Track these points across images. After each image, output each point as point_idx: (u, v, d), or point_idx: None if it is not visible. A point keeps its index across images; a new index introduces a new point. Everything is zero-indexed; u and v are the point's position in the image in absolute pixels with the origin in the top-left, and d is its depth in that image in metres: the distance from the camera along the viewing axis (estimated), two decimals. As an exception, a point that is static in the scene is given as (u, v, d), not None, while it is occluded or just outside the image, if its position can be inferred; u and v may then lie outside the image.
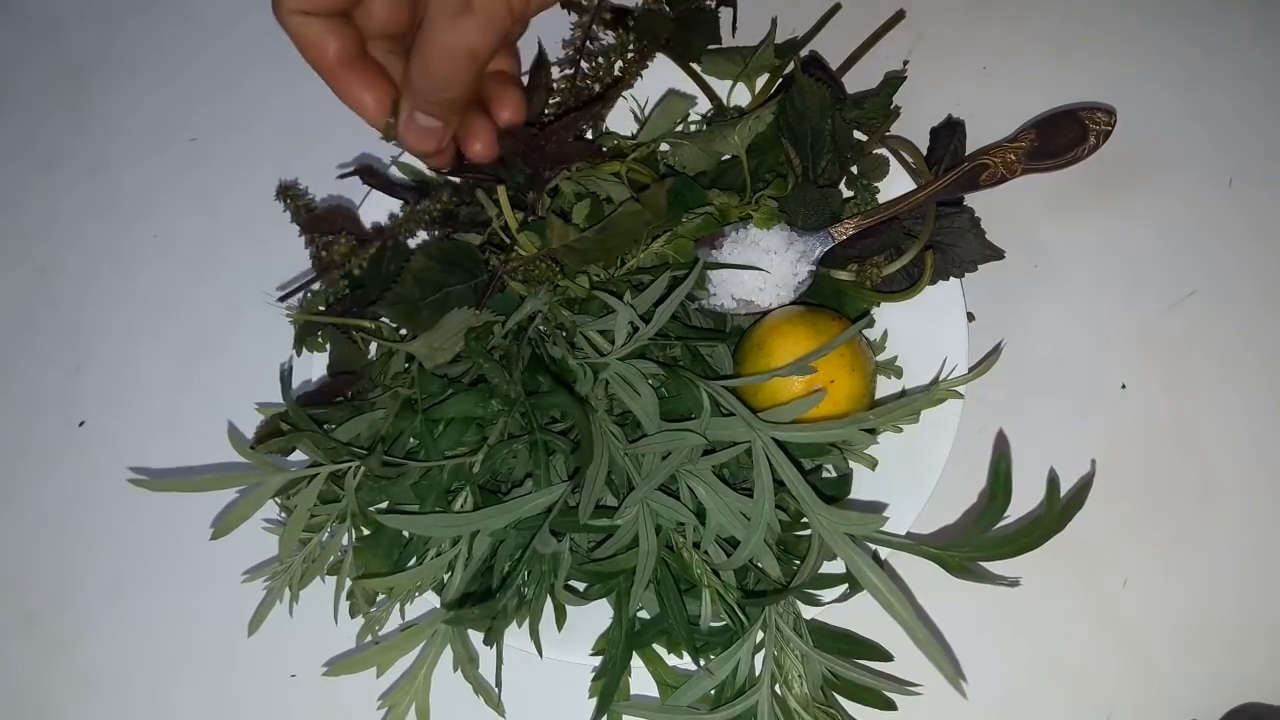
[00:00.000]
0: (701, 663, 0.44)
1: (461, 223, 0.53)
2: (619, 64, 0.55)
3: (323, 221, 0.53)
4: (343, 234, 0.52)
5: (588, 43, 0.54)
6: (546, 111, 0.54)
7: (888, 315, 0.53)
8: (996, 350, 0.55)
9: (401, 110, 0.44)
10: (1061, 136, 0.52)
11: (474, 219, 0.53)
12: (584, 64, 0.54)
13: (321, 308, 0.54)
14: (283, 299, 0.54)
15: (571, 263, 0.49)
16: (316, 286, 0.54)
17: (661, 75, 0.56)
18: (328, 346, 0.54)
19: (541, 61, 0.57)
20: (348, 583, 0.48)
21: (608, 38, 0.55)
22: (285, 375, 0.50)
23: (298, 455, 0.50)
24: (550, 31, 0.56)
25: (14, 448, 0.61)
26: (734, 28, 0.62)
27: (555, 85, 0.54)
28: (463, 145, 0.47)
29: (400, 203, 0.55)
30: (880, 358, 0.52)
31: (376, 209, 0.57)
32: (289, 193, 0.55)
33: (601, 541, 0.46)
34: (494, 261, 0.50)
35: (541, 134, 0.50)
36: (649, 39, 0.55)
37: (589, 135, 0.56)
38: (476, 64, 0.41)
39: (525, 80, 0.57)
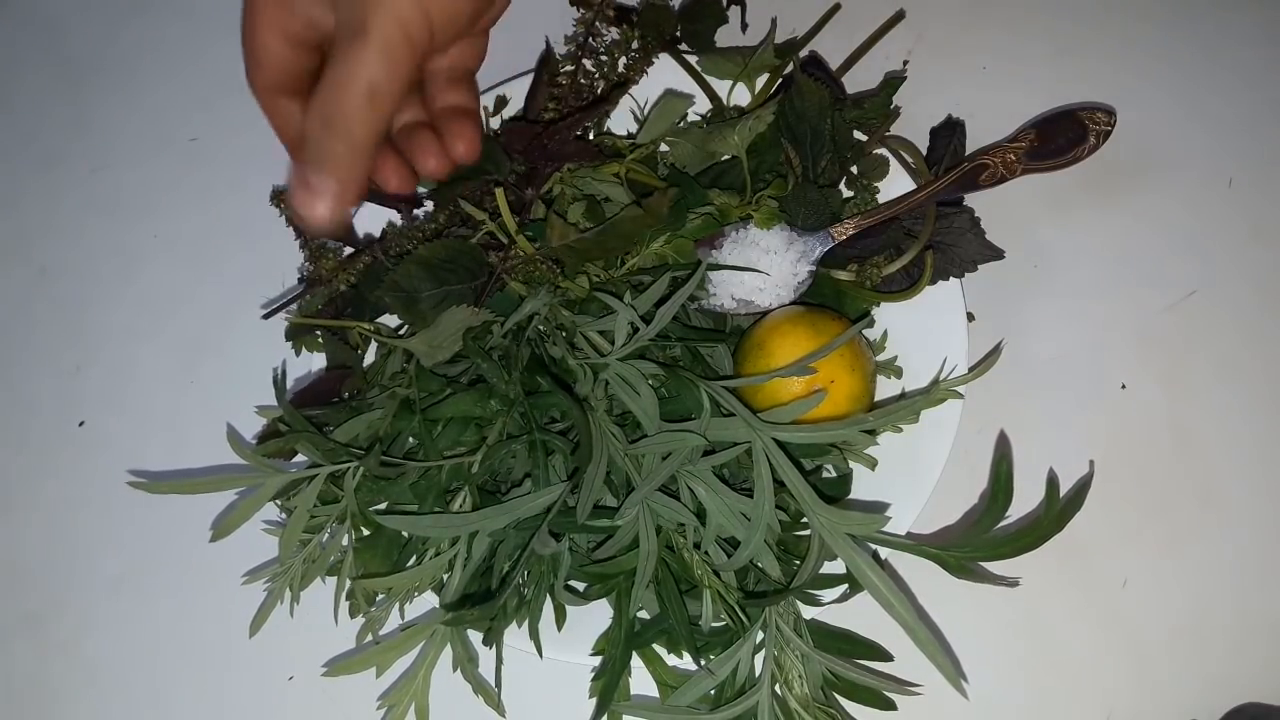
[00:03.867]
0: (702, 663, 0.44)
1: (458, 224, 0.53)
2: (623, 60, 0.54)
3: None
4: (329, 250, 0.52)
5: (590, 39, 0.54)
6: (549, 107, 0.54)
7: (888, 315, 0.53)
8: (996, 350, 0.55)
9: (291, 170, 0.39)
10: (1061, 136, 0.52)
11: (466, 222, 0.52)
12: (586, 61, 0.54)
13: (320, 306, 0.54)
14: (266, 316, 0.54)
15: (570, 262, 0.49)
16: (296, 307, 0.54)
17: (661, 76, 0.56)
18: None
19: (547, 58, 0.57)
20: (347, 583, 0.48)
21: (612, 34, 0.55)
22: (279, 380, 0.51)
23: (299, 457, 0.50)
24: (556, 29, 0.56)
25: (14, 448, 0.61)
26: (744, 27, 0.62)
27: (557, 82, 0.54)
28: (415, 163, 0.44)
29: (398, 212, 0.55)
30: (880, 358, 0.52)
31: (378, 213, 0.56)
32: (283, 198, 0.55)
33: (602, 542, 0.46)
34: (493, 258, 0.50)
35: (544, 132, 0.50)
36: (653, 34, 0.55)
37: (589, 135, 0.56)
38: (377, 104, 0.36)
39: (531, 76, 0.57)
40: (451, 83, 0.44)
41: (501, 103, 0.57)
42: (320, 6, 0.38)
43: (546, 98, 0.54)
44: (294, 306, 0.54)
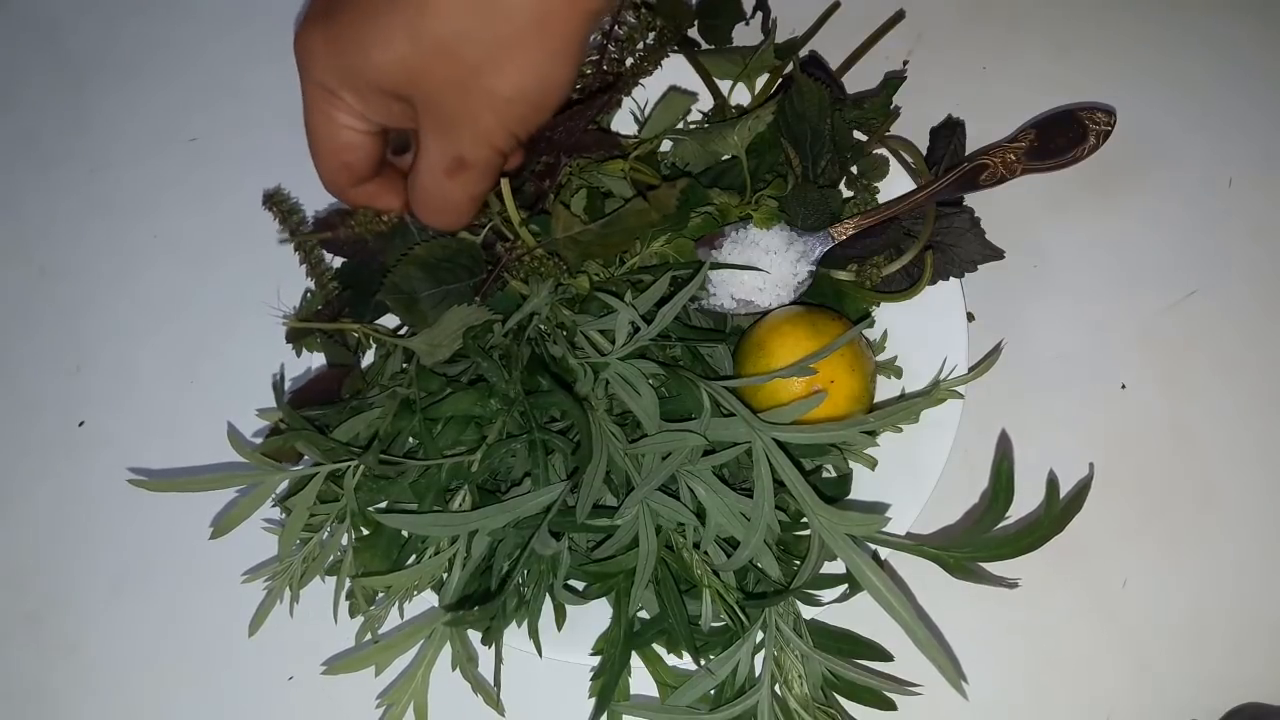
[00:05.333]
0: (701, 663, 0.44)
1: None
2: (641, 45, 0.54)
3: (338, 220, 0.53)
4: (324, 260, 0.53)
5: (616, 27, 0.54)
6: (574, 94, 0.53)
7: (888, 315, 0.53)
8: (996, 350, 0.55)
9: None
10: (1061, 136, 0.52)
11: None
12: (611, 49, 0.54)
13: (320, 307, 0.54)
14: (290, 241, 0.54)
15: (572, 255, 0.49)
16: (312, 287, 0.54)
17: (664, 75, 0.56)
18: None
19: None
20: (347, 582, 0.48)
21: (631, 23, 0.55)
22: (278, 384, 0.51)
23: (304, 459, 0.50)
24: None
25: (14, 448, 0.61)
26: (765, 29, 0.61)
27: (583, 70, 0.54)
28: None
29: None
30: (880, 358, 0.52)
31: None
32: (274, 200, 0.55)
33: (601, 542, 0.46)
34: (499, 248, 0.50)
35: (546, 123, 0.50)
36: (670, 26, 0.55)
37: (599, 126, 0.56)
38: (480, 200, 0.43)
39: None
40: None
41: None
42: (383, 106, 0.40)
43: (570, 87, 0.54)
44: (308, 292, 0.54)
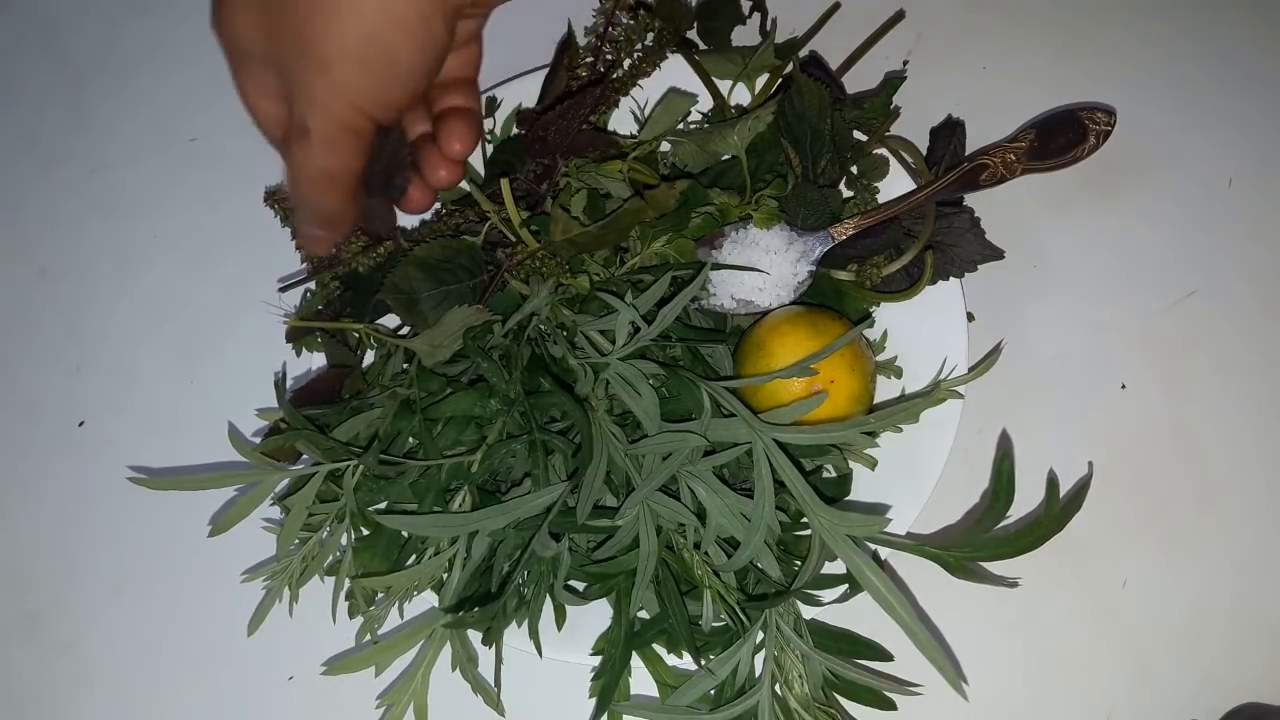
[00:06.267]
0: (702, 663, 0.44)
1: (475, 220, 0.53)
2: (639, 46, 0.54)
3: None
4: (357, 231, 0.52)
5: (611, 28, 0.54)
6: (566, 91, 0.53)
7: (888, 315, 0.53)
8: (996, 350, 0.55)
9: (295, 220, 0.46)
10: (1061, 136, 0.52)
11: (483, 217, 0.52)
12: (606, 51, 0.54)
13: (320, 308, 0.54)
14: (283, 290, 0.54)
15: (572, 255, 0.49)
16: (313, 287, 0.54)
17: (663, 76, 0.56)
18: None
19: (568, 45, 0.56)
20: (346, 583, 0.48)
21: (628, 24, 0.55)
22: (279, 382, 0.51)
23: (304, 458, 0.50)
24: (554, 28, 0.56)
25: (14, 448, 0.61)
26: (763, 29, 0.61)
27: (577, 72, 0.54)
28: (425, 176, 0.47)
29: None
30: (880, 358, 0.52)
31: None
32: (275, 197, 0.55)
33: (602, 542, 0.46)
34: (500, 253, 0.50)
35: (538, 124, 0.50)
36: (669, 27, 0.55)
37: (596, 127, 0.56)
38: (336, 182, 0.41)
39: (550, 63, 0.57)
40: (447, 88, 0.46)
41: (492, 104, 0.58)
42: (274, 88, 0.40)
43: (563, 88, 0.54)
44: (307, 291, 0.54)
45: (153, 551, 0.58)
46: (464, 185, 0.53)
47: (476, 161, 0.58)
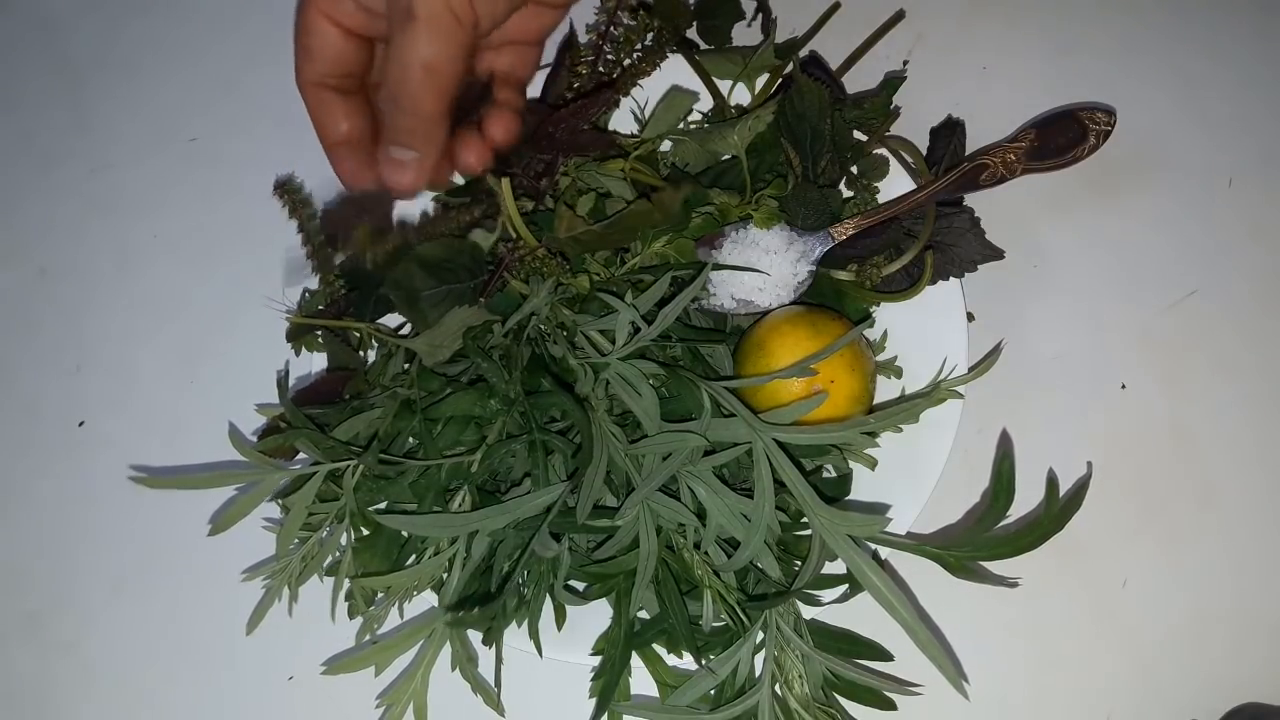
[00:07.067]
0: (702, 662, 0.44)
1: (476, 220, 0.53)
2: (639, 45, 0.54)
3: (347, 208, 0.53)
4: (365, 221, 0.52)
5: (612, 28, 0.54)
6: (568, 94, 0.53)
7: (888, 315, 0.53)
8: (996, 350, 0.55)
9: (380, 149, 0.43)
10: (1061, 136, 0.52)
11: (489, 215, 0.52)
12: (607, 50, 0.54)
13: (321, 307, 0.54)
14: (289, 285, 0.53)
15: (574, 254, 0.49)
16: (315, 286, 0.54)
17: (664, 75, 0.56)
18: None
19: (569, 43, 0.57)
20: (346, 583, 0.48)
21: (629, 24, 0.55)
22: (282, 379, 0.51)
23: (301, 456, 0.50)
24: (580, 21, 0.56)
25: (14, 447, 0.61)
26: (764, 28, 0.61)
27: (578, 70, 0.54)
28: (454, 159, 0.45)
29: (432, 198, 0.55)
30: (880, 358, 0.52)
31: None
32: (286, 189, 0.54)
33: (602, 542, 0.46)
34: (500, 247, 0.50)
35: (548, 120, 0.50)
36: (669, 26, 0.55)
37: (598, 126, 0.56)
38: (436, 78, 0.40)
39: (553, 61, 0.57)
40: (500, 84, 0.46)
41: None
42: None
43: (565, 86, 0.54)
44: (307, 291, 0.54)
45: (153, 551, 0.58)
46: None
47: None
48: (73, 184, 0.68)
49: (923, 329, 0.52)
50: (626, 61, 0.54)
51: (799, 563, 0.46)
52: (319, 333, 0.54)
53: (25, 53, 0.72)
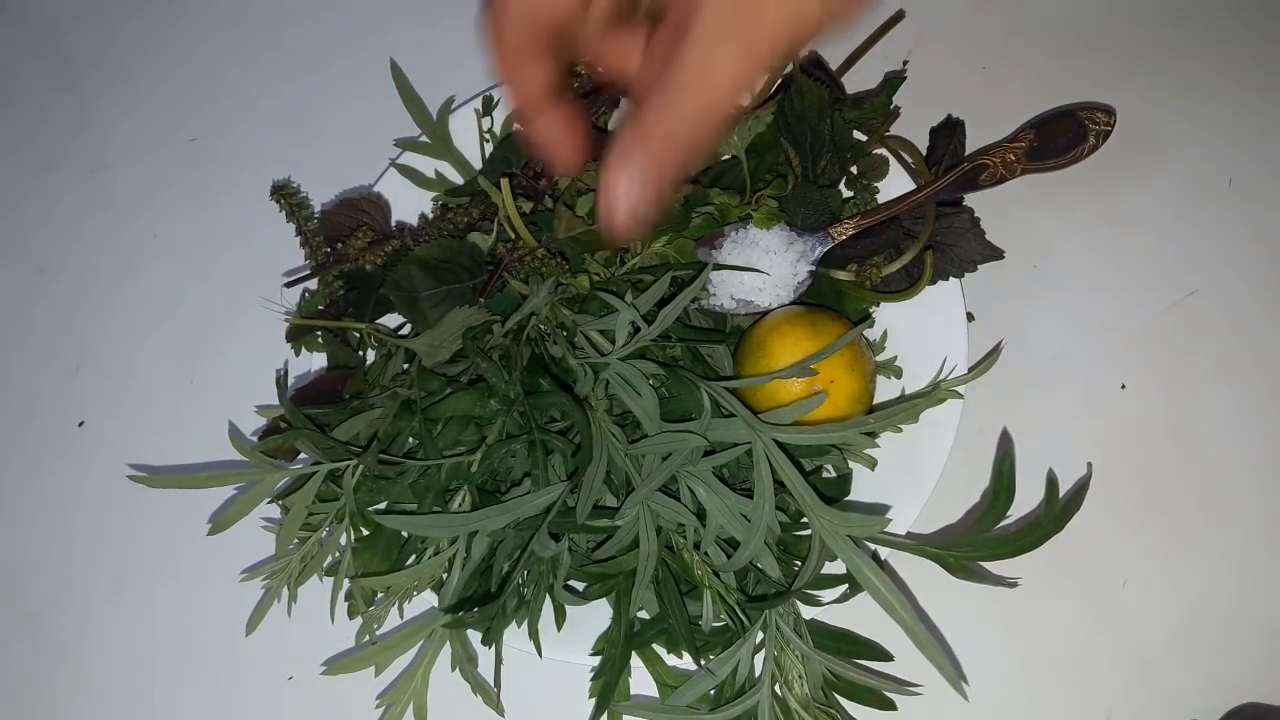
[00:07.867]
0: (702, 663, 0.44)
1: (475, 221, 0.53)
2: None
3: (345, 212, 0.53)
4: (362, 227, 0.52)
5: None
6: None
7: (888, 315, 0.53)
8: (996, 350, 0.55)
9: (617, 177, 0.30)
10: (1061, 136, 0.52)
11: (486, 215, 0.53)
12: None
13: (321, 307, 0.54)
14: (289, 285, 0.53)
15: (574, 254, 0.49)
16: (314, 286, 0.54)
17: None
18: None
19: None
20: (346, 583, 0.48)
21: None
22: (281, 379, 0.51)
23: (301, 457, 0.50)
24: None
25: (14, 448, 0.61)
26: None
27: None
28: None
29: (432, 199, 0.54)
30: (880, 358, 0.52)
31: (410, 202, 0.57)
32: (282, 192, 0.55)
33: (602, 542, 0.46)
34: (500, 247, 0.50)
35: None
36: None
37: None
38: (730, 111, 0.29)
39: None
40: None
41: (489, 104, 0.58)
42: None
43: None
44: (306, 291, 0.54)
45: (152, 551, 0.58)
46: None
47: (476, 160, 0.58)
48: (71, 183, 0.68)
49: (922, 329, 0.52)
50: None
51: (799, 563, 0.46)
52: (318, 333, 0.54)
53: (24, 53, 0.72)
